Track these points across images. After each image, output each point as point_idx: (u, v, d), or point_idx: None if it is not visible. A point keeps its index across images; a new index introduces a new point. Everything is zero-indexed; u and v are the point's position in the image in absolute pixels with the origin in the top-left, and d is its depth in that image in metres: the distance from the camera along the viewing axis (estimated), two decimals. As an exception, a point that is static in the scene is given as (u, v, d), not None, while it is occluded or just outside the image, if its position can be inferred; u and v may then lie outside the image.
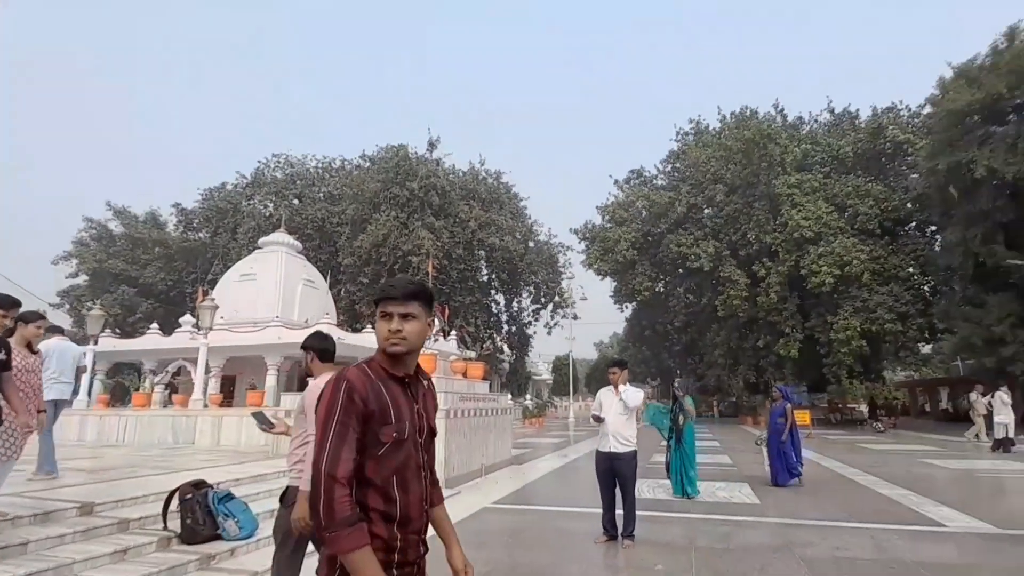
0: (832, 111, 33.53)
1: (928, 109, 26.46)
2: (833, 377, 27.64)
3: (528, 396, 36.82)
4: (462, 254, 31.12)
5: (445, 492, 8.52)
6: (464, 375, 10.67)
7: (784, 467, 8.57)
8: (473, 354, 22.50)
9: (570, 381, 34.15)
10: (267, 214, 32.46)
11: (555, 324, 36.75)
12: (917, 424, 28.46)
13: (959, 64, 22.99)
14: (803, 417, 20.01)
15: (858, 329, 24.41)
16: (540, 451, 14.84)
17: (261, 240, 22.07)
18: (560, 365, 47.15)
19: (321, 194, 35.12)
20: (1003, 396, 14.00)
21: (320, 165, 37.46)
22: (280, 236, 21.35)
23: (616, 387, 5.45)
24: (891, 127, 29.21)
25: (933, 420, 31.59)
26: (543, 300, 37.24)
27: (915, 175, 28.11)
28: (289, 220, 30.50)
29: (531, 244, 35.83)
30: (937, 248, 27.10)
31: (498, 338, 37.11)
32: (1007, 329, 19.92)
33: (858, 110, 32.55)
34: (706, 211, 31.12)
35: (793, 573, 4.52)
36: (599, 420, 5.48)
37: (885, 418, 25.10)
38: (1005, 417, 13.71)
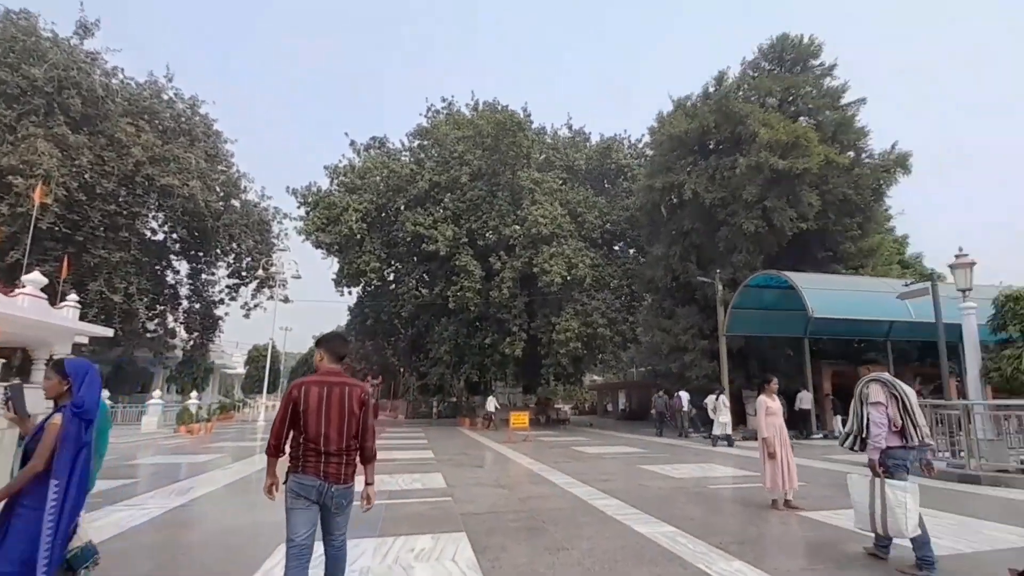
0: (570, 127, 35.35)
1: (647, 138, 29.22)
2: (544, 379, 28.03)
3: (196, 394, 27.66)
4: (115, 191, 21.70)
5: None
6: None
7: None
8: (110, 331, 14.70)
9: (266, 375, 27.34)
10: None
11: (256, 305, 29.33)
12: (603, 422, 31.09)
13: (678, 97, 25.63)
14: (522, 419, 18.44)
15: (576, 331, 24.74)
16: (151, 482, 9.02)
17: None
18: (257, 356, 38.85)
19: None
20: (724, 400, 15.66)
21: None
22: None
23: None
24: (615, 152, 32.04)
25: (614, 418, 35.41)
26: (244, 275, 29.52)
27: (629, 199, 30.84)
28: None
29: (235, 202, 28.02)
30: (641, 263, 29.99)
31: (171, 317, 27.90)
32: (689, 338, 22.17)
33: (590, 133, 35.14)
34: (448, 195, 28.64)
35: None
36: None
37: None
38: (724, 417, 15.31)
